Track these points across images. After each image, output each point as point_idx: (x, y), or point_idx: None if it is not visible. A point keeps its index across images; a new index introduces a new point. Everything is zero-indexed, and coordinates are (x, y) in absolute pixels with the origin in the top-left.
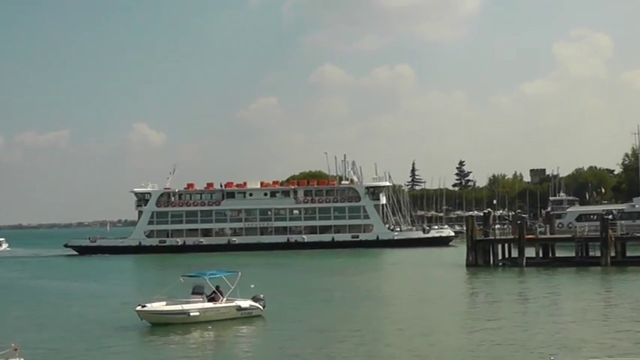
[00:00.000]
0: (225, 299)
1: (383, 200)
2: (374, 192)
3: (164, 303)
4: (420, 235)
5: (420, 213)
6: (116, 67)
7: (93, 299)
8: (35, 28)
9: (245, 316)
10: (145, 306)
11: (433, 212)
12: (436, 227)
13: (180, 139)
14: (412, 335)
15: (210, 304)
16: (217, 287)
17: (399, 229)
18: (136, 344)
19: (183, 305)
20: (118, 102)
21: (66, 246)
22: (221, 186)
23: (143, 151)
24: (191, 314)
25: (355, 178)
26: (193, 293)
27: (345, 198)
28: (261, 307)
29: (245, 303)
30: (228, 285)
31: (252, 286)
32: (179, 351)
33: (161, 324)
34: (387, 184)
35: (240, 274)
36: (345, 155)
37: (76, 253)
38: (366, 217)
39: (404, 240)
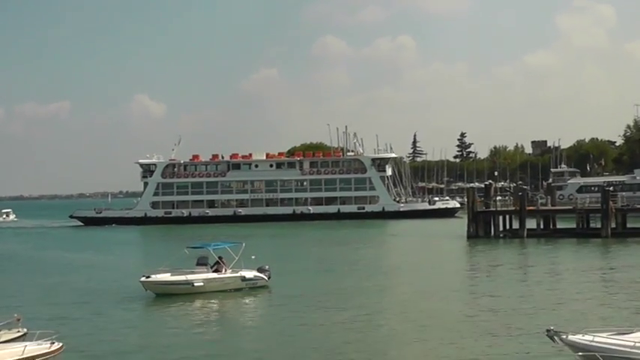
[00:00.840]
0: (229, 270)
1: (389, 172)
2: (380, 163)
3: (169, 274)
4: (426, 206)
5: (420, 184)
6: (116, 38)
7: (98, 270)
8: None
9: (250, 287)
10: (149, 277)
11: (434, 184)
12: (437, 198)
13: (180, 110)
14: (412, 307)
15: (215, 275)
16: (220, 258)
17: (404, 200)
18: (139, 315)
19: (187, 276)
20: (118, 73)
21: (71, 217)
22: (222, 157)
23: (144, 123)
24: (195, 284)
25: (361, 150)
26: (198, 264)
27: (350, 169)
28: (265, 278)
29: (249, 273)
30: (232, 256)
31: (253, 257)
32: (183, 321)
33: (165, 294)
34: (393, 155)
35: (244, 244)
36: (346, 127)
37: (81, 223)
38: (372, 188)
39: (410, 211)
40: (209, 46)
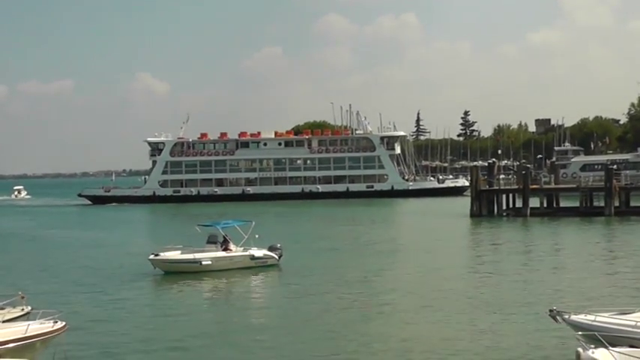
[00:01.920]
0: (238, 248)
1: (398, 150)
2: (389, 142)
3: (179, 252)
4: (435, 185)
5: (424, 163)
6: (118, 16)
7: (106, 248)
8: None
9: (259, 265)
10: (157, 255)
11: (437, 162)
12: (441, 176)
13: (183, 88)
14: (417, 287)
15: (223, 253)
16: (225, 236)
17: (412, 178)
18: (146, 292)
19: (195, 254)
20: (121, 51)
21: (80, 195)
22: (222, 136)
23: (147, 101)
24: (203, 263)
25: (369, 128)
26: (208, 242)
27: (359, 148)
28: (276, 257)
29: (259, 252)
30: (242, 234)
31: (257, 236)
32: (188, 299)
33: (174, 272)
34: (402, 133)
35: (253, 223)
36: (350, 105)
37: (89, 202)
38: (381, 167)
39: (419, 190)
40: (212, 24)
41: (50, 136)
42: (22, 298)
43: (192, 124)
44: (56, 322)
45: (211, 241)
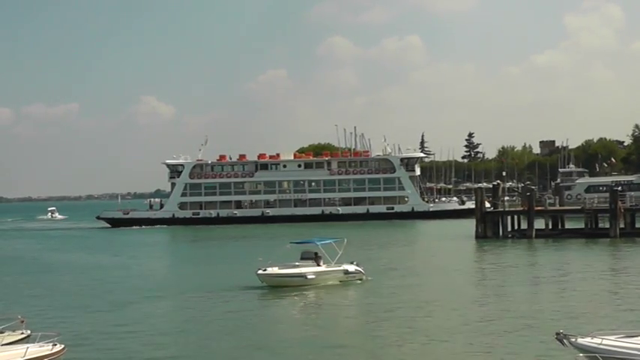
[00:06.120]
0: (333, 263)
1: (418, 171)
2: (408, 163)
3: (277, 267)
4: (456, 206)
5: (428, 185)
6: (123, 40)
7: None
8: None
9: (350, 280)
10: (265, 270)
11: (442, 184)
12: (461, 198)
13: (188, 111)
14: (431, 311)
15: (323, 268)
16: (315, 253)
17: (433, 200)
18: (253, 303)
19: (301, 269)
20: (126, 75)
21: (98, 218)
22: (241, 157)
23: (152, 124)
24: (308, 277)
25: (389, 149)
26: (302, 259)
27: (379, 169)
28: (364, 272)
29: (351, 267)
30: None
31: (260, 258)
32: (294, 310)
33: (278, 286)
34: (422, 155)
35: (346, 240)
36: (355, 127)
37: (108, 225)
38: (401, 188)
39: (439, 212)
40: (216, 47)
41: (55, 159)
42: (22, 322)
43: (197, 146)
44: (55, 344)
45: (305, 257)
